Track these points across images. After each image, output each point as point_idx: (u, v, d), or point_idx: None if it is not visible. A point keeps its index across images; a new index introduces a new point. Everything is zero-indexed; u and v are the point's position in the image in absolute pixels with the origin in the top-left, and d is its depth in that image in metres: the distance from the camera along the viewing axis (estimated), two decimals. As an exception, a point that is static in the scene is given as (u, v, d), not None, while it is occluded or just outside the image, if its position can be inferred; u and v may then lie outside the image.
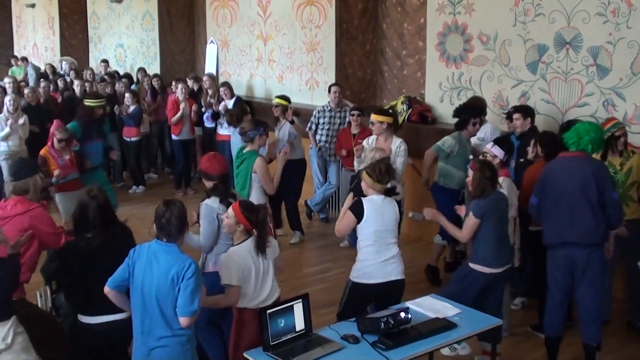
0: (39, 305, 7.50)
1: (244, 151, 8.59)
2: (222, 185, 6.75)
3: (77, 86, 14.27)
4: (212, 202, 6.61)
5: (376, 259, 6.66)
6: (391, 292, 6.65)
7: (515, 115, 8.90)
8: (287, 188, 10.44)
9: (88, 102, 10.68)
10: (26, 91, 13.84)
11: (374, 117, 9.31)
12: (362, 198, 6.80)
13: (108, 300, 5.48)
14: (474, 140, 9.36)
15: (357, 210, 6.70)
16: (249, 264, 5.91)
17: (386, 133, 9.26)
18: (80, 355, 6.00)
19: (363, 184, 6.80)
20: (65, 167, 9.80)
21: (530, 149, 8.08)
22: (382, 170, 6.70)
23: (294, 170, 10.65)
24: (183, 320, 5.24)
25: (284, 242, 10.32)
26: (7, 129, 12.35)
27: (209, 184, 6.83)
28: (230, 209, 6.07)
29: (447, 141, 9.07)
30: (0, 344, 5.39)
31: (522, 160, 8.48)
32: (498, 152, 7.73)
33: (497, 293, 7.02)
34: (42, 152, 9.86)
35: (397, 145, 9.19)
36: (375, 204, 6.69)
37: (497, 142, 7.92)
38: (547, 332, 7.15)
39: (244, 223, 5.93)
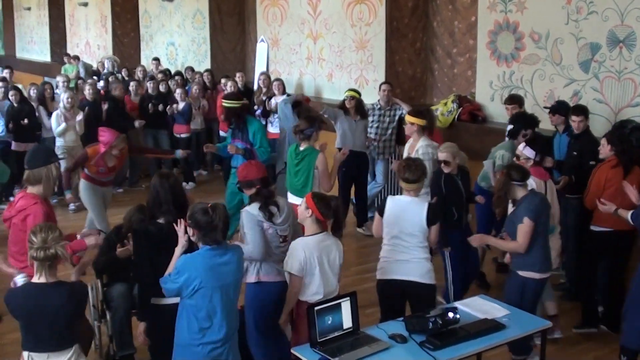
0: (90, 298, 7.61)
1: (300, 149, 8.52)
2: (265, 190, 6.51)
3: (119, 90, 14.36)
4: (252, 209, 6.40)
5: (393, 257, 6.67)
6: (416, 295, 6.55)
7: (579, 118, 8.74)
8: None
9: (226, 103, 10.33)
10: (87, 87, 14.01)
11: (407, 119, 9.34)
12: (389, 197, 6.83)
13: None
14: None
15: (381, 208, 6.76)
16: (314, 258, 5.95)
17: (416, 135, 9.21)
18: (158, 336, 6.02)
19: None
20: (101, 174, 9.80)
21: (601, 149, 7.93)
22: (402, 167, 6.68)
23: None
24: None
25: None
26: (63, 124, 12.61)
27: (250, 191, 6.58)
28: (302, 199, 6.14)
29: (505, 156, 8.92)
30: None
31: (579, 158, 8.39)
32: (530, 153, 7.63)
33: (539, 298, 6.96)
34: (90, 151, 9.78)
35: (420, 145, 9.07)
36: (397, 203, 6.68)
37: (529, 142, 7.81)
38: (628, 344, 6.98)
39: (314, 209, 5.96)
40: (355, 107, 11.18)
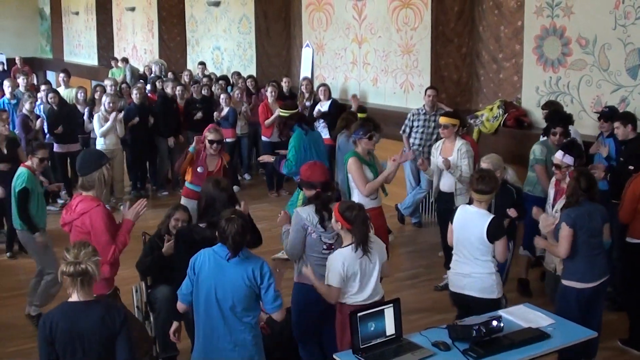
0: (134, 300, 7.69)
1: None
2: (324, 194, 6.46)
3: (170, 88, 14.49)
4: (303, 211, 6.38)
5: (454, 269, 6.69)
6: (479, 309, 6.41)
7: (615, 124, 8.69)
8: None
9: (280, 112, 10.24)
10: (134, 91, 14.14)
11: (445, 121, 9.26)
12: (461, 205, 6.81)
13: None
14: None
15: (452, 217, 6.75)
16: (354, 267, 5.92)
17: (453, 135, 9.21)
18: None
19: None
20: (198, 178, 9.10)
21: None
22: (476, 179, 6.63)
23: None
24: (277, 315, 5.49)
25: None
26: (108, 124, 12.74)
27: (310, 192, 6.55)
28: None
29: (535, 150, 8.90)
30: None
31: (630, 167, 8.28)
32: (569, 160, 7.53)
33: (597, 308, 6.83)
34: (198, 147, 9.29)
35: (458, 146, 9.09)
36: (464, 213, 6.65)
37: (566, 148, 7.69)
38: None
39: (340, 220, 5.94)
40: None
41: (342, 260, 5.91)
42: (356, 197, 8.10)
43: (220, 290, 5.32)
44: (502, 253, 6.52)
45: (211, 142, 9.11)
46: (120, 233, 6.27)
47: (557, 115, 9.28)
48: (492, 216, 6.57)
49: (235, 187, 14.30)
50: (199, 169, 9.16)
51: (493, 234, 6.44)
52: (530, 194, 8.93)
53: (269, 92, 14.05)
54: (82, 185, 6.31)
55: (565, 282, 6.70)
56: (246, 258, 5.40)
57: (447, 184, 9.14)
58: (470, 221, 6.54)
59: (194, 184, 9.14)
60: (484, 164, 7.82)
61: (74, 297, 4.83)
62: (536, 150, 8.95)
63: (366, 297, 6.00)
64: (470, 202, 6.89)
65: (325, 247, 6.36)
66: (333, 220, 6.03)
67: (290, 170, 9.55)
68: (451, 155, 9.04)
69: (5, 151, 10.42)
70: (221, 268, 5.34)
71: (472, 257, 6.53)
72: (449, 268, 8.10)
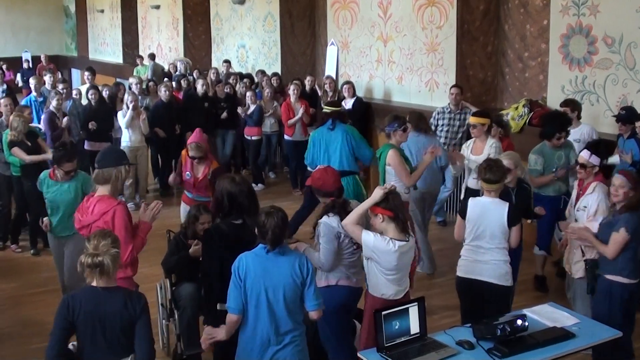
0: (158, 297, 7.72)
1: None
2: (339, 201, 6.44)
3: (201, 86, 14.54)
4: (331, 221, 6.31)
5: (470, 257, 6.73)
6: (491, 296, 6.51)
7: (638, 124, 8.64)
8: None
9: (326, 109, 10.29)
10: (162, 89, 14.23)
11: (474, 120, 9.27)
12: (471, 198, 6.82)
13: None
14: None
15: (462, 210, 6.80)
16: (398, 263, 5.95)
17: (484, 135, 9.22)
18: (224, 342, 5.96)
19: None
20: (186, 184, 9.31)
21: None
22: (483, 168, 6.64)
23: None
24: (315, 314, 5.49)
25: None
26: (129, 112, 12.80)
27: (324, 199, 6.52)
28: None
29: (530, 161, 8.87)
30: None
31: None
32: (595, 160, 7.46)
33: (634, 307, 6.77)
34: (183, 152, 9.44)
35: (489, 144, 9.11)
36: (478, 204, 6.68)
37: (591, 147, 7.63)
38: None
39: (381, 212, 5.94)
40: None
41: (394, 246, 5.89)
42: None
43: (271, 290, 5.32)
44: (516, 238, 6.68)
45: (192, 157, 9.16)
46: (138, 235, 6.27)
47: (560, 119, 9.18)
48: (508, 203, 6.64)
49: (259, 185, 14.40)
50: (186, 175, 9.24)
51: (513, 220, 6.56)
52: (543, 194, 8.89)
53: (292, 91, 14.05)
54: (96, 177, 6.33)
55: (609, 276, 6.61)
56: (287, 253, 5.43)
57: (476, 181, 9.12)
58: (488, 210, 6.59)
59: (186, 189, 9.35)
60: (504, 161, 7.80)
61: (95, 284, 4.97)
62: (531, 161, 8.89)
63: (393, 293, 6.01)
64: (480, 194, 6.90)
65: (355, 247, 6.35)
66: (371, 218, 6.03)
67: (306, 161, 10.19)
68: (482, 153, 9.01)
69: (29, 143, 10.50)
70: (267, 269, 5.33)
71: (492, 246, 6.59)
72: None
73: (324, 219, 6.37)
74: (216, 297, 5.91)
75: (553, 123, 8.99)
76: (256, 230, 5.42)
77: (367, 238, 5.92)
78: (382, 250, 5.89)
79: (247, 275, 5.32)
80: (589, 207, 7.35)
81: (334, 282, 6.38)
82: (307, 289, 5.40)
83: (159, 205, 6.43)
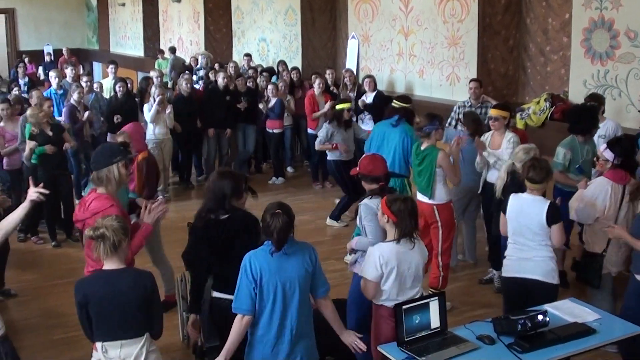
0: (179, 289, 7.74)
1: (422, 148, 8.39)
2: (388, 187, 6.57)
3: (222, 79, 14.54)
4: (372, 202, 6.40)
5: (514, 255, 6.64)
6: (537, 294, 6.43)
7: None
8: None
9: (396, 104, 10.27)
10: (183, 82, 14.26)
11: (496, 113, 9.18)
12: (513, 194, 6.78)
13: (232, 280, 5.57)
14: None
15: (504, 206, 6.74)
16: (392, 263, 5.84)
17: (503, 128, 9.15)
18: (216, 329, 6.19)
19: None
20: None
21: None
22: (527, 167, 6.60)
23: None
24: (324, 301, 5.60)
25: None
26: (155, 106, 12.80)
27: (372, 185, 6.57)
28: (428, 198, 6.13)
29: (559, 154, 8.80)
30: None
31: None
32: (609, 155, 7.44)
33: None
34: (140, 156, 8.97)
35: (508, 139, 9.02)
36: (519, 201, 6.63)
37: (610, 144, 7.60)
38: None
39: (387, 213, 5.92)
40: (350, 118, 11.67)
41: (379, 253, 5.85)
42: (439, 191, 8.35)
43: (288, 284, 5.34)
44: (559, 237, 6.52)
45: None
46: (136, 236, 6.09)
47: (590, 112, 9.13)
48: (549, 201, 6.57)
49: (280, 179, 14.41)
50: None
51: (552, 217, 6.45)
52: (565, 189, 8.85)
53: (317, 84, 14.02)
54: (93, 179, 6.25)
55: (639, 277, 6.57)
56: (294, 247, 5.44)
57: (494, 175, 9.08)
58: (528, 207, 6.54)
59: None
60: (522, 155, 7.80)
61: (107, 266, 5.13)
62: (559, 154, 8.79)
63: (404, 299, 5.94)
64: (521, 191, 6.85)
65: None
66: (379, 213, 6.02)
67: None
68: (500, 147, 8.98)
69: (51, 134, 10.58)
70: (281, 265, 5.35)
71: (534, 243, 6.52)
72: (492, 261, 8.04)
73: (365, 200, 6.48)
74: (201, 289, 6.14)
75: (588, 117, 8.94)
76: (261, 227, 5.42)
77: (373, 272, 5.88)
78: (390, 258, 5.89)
79: (263, 273, 5.32)
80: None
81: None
82: (316, 275, 5.48)
83: (163, 207, 6.37)
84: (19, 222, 5.77)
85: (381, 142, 9.72)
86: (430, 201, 8.31)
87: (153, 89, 13.36)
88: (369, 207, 6.42)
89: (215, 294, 6.05)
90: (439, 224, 8.36)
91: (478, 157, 9.19)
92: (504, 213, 6.75)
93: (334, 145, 11.02)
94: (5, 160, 11.15)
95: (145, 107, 13.19)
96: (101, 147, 6.73)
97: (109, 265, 5.15)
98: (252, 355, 5.52)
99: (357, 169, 6.78)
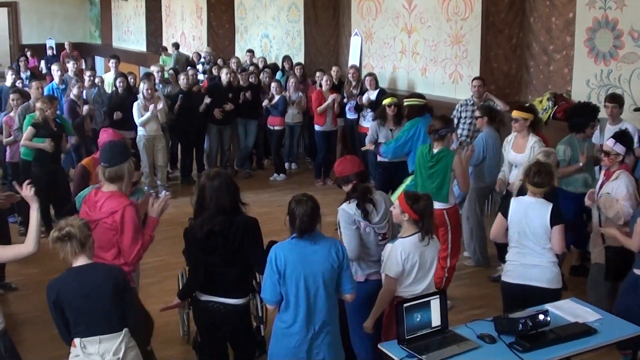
0: (180, 285, 7.74)
1: (434, 151, 8.26)
2: (362, 185, 6.41)
3: (225, 74, 14.50)
4: (349, 207, 6.32)
5: (518, 260, 6.57)
6: (539, 300, 6.34)
7: None
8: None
9: (409, 102, 10.08)
10: (182, 77, 14.27)
11: (517, 114, 9.08)
12: (513, 198, 6.73)
13: (225, 283, 5.76)
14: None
15: (505, 210, 6.66)
16: (413, 257, 5.92)
17: (526, 130, 9.03)
18: (201, 329, 6.36)
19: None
20: None
21: None
22: (533, 172, 6.57)
23: None
24: (350, 297, 5.66)
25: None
26: (147, 114, 12.80)
27: (347, 187, 6.48)
28: (395, 200, 6.12)
29: (559, 151, 8.78)
30: (111, 358, 5.15)
31: None
32: (620, 149, 7.44)
33: None
34: (85, 162, 8.41)
35: (531, 145, 8.91)
36: (521, 204, 6.57)
37: (618, 137, 7.60)
38: None
39: (408, 211, 5.93)
40: (396, 115, 11.07)
41: (401, 248, 5.90)
42: (451, 194, 8.33)
43: (311, 278, 5.40)
44: (559, 240, 6.45)
45: None
46: (145, 231, 6.23)
47: (589, 109, 9.14)
48: (551, 204, 6.53)
49: (281, 176, 14.40)
50: None
51: (554, 219, 6.42)
52: (570, 191, 8.83)
53: (324, 81, 14.02)
54: (110, 177, 6.21)
55: (636, 271, 6.58)
56: (321, 240, 5.50)
57: (516, 177, 9.05)
58: (532, 210, 6.49)
59: None
60: (542, 159, 7.79)
61: (76, 264, 5.18)
62: (559, 151, 8.80)
63: (420, 292, 5.96)
64: (522, 194, 6.83)
65: (380, 238, 6.37)
66: (397, 210, 6.01)
67: (386, 150, 9.89)
68: (524, 151, 8.91)
69: (55, 129, 10.63)
70: (306, 257, 5.40)
71: (538, 247, 6.48)
72: (503, 260, 8.02)
73: (343, 205, 6.40)
74: (192, 289, 6.18)
75: (584, 114, 8.94)
76: (287, 217, 5.48)
77: (395, 269, 5.94)
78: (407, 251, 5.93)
79: (287, 265, 5.38)
80: (612, 193, 7.37)
81: (373, 277, 6.40)
82: (343, 272, 5.52)
83: (167, 200, 6.42)
84: (40, 222, 5.86)
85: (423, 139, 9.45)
86: (441, 205, 8.03)
87: (141, 84, 13.20)
88: (346, 213, 6.32)
89: (204, 297, 6.07)
90: (449, 227, 8.22)
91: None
92: (504, 216, 6.65)
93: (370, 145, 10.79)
94: (7, 152, 11.21)
95: (135, 105, 13.03)
96: (112, 145, 6.67)
97: (79, 262, 5.16)
98: (275, 347, 5.59)
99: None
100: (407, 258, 5.90)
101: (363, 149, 10.87)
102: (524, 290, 6.52)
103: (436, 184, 8.19)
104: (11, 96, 11.52)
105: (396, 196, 8.13)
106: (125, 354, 5.17)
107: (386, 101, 11.18)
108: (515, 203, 6.63)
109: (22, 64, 19.06)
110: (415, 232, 5.96)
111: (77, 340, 5.18)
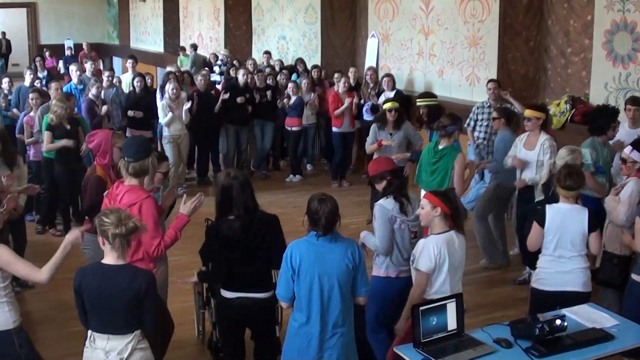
0: (195, 285, 7.74)
1: (439, 147, 8.32)
2: (396, 181, 6.56)
3: (242, 75, 14.50)
4: (387, 203, 6.45)
5: (552, 268, 6.55)
6: (571, 303, 6.35)
7: None
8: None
9: (421, 102, 9.94)
10: (199, 78, 14.31)
11: (530, 113, 9.10)
12: (548, 205, 6.69)
13: (249, 278, 5.79)
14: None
15: (541, 218, 6.59)
16: (445, 255, 5.92)
17: (538, 129, 9.05)
18: (223, 328, 6.42)
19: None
20: None
21: None
22: (564, 175, 6.54)
23: None
24: (363, 300, 5.68)
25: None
26: (170, 115, 12.86)
27: (381, 184, 6.59)
28: (422, 200, 6.13)
29: (585, 155, 8.72)
30: (114, 358, 5.13)
31: None
32: (637, 156, 7.39)
33: None
34: (100, 172, 7.52)
35: (541, 142, 8.93)
36: (558, 212, 6.54)
37: (635, 145, 7.55)
38: None
39: (440, 205, 5.94)
40: (396, 119, 10.75)
41: (434, 244, 5.90)
42: None
43: (326, 277, 5.40)
44: (599, 244, 6.58)
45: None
46: (171, 227, 6.24)
47: (608, 111, 9.09)
48: (587, 209, 6.56)
49: (297, 177, 14.40)
50: None
51: (593, 225, 6.47)
52: (587, 194, 8.77)
53: (342, 82, 14.01)
54: (135, 171, 6.24)
55: (634, 276, 6.58)
56: (339, 239, 5.51)
57: (528, 177, 9.02)
58: (570, 217, 6.48)
59: None
60: (569, 157, 7.77)
61: (107, 260, 5.13)
62: (586, 155, 8.71)
63: (448, 292, 5.96)
64: (554, 200, 6.79)
65: (412, 236, 6.44)
66: (428, 208, 6.01)
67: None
68: (534, 149, 8.91)
69: (68, 127, 10.71)
70: (321, 256, 5.42)
71: (574, 254, 6.49)
72: (527, 263, 7.95)
73: (380, 201, 6.49)
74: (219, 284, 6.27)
75: (604, 116, 8.89)
76: (306, 216, 5.51)
77: (427, 264, 5.93)
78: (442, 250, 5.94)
79: (302, 263, 5.40)
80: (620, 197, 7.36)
81: (393, 274, 6.48)
82: (359, 274, 5.52)
83: (201, 198, 6.43)
84: (63, 260, 5.54)
85: None
86: None
87: (168, 84, 13.28)
88: (384, 209, 6.43)
89: (227, 294, 6.13)
90: None
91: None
92: (541, 225, 6.58)
93: (380, 142, 10.72)
94: (32, 150, 11.35)
95: (160, 105, 13.14)
96: (135, 140, 6.79)
97: (108, 259, 5.14)
98: (288, 346, 5.61)
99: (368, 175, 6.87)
100: (439, 254, 5.90)
101: (395, 158, 10.47)
102: (558, 296, 6.48)
103: (437, 180, 8.24)
104: (30, 96, 11.65)
105: None
106: (130, 355, 5.16)
107: (387, 106, 10.96)
108: (551, 211, 6.58)
109: (38, 63, 19.14)
110: (447, 230, 5.98)
111: (89, 332, 5.25)
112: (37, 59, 20.16)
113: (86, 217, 7.51)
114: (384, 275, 6.48)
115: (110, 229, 5.01)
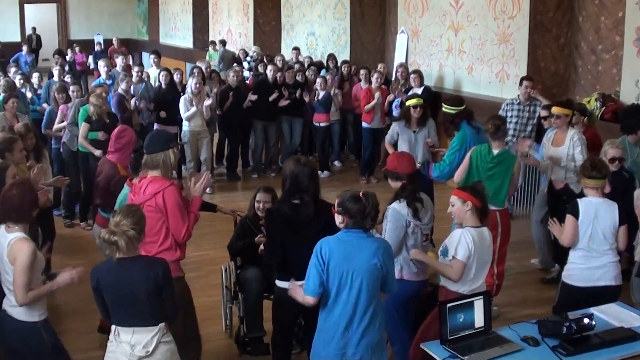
0: (223, 279, 7.78)
1: (495, 152, 7.99)
2: (411, 186, 6.42)
3: (270, 71, 14.54)
4: (401, 207, 6.35)
5: (584, 264, 6.52)
6: (602, 298, 6.34)
7: None
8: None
9: (444, 108, 9.61)
10: (231, 74, 14.41)
11: (558, 110, 8.99)
12: (579, 199, 6.66)
13: (301, 267, 5.61)
14: None
15: (574, 211, 6.55)
16: (476, 249, 5.91)
17: (566, 126, 8.95)
18: (279, 320, 6.36)
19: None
20: None
21: None
22: (588, 167, 6.52)
23: None
24: (383, 296, 5.64)
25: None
26: (193, 109, 12.96)
27: (396, 184, 6.51)
28: (452, 197, 6.10)
29: (625, 151, 8.63)
30: (140, 351, 5.17)
31: None
32: None
33: None
34: (122, 171, 8.05)
35: (570, 136, 8.82)
36: (590, 205, 6.51)
37: None
38: None
39: (470, 199, 5.95)
40: (420, 116, 10.43)
41: (471, 235, 5.90)
42: None
43: (354, 274, 5.35)
44: (626, 238, 6.58)
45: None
46: (190, 210, 6.29)
47: (637, 110, 9.01)
48: (616, 203, 6.54)
49: (325, 172, 14.39)
50: None
51: (622, 218, 6.47)
52: None
53: (374, 78, 13.98)
54: (146, 163, 6.35)
55: None
56: (370, 237, 5.49)
57: (558, 173, 8.95)
58: (603, 210, 6.47)
59: None
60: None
61: (120, 255, 5.18)
62: (625, 153, 8.65)
63: (476, 287, 5.98)
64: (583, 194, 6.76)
65: (424, 239, 6.40)
66: (458, 203, 6.01)
67: (441, 172, 8.84)
68: (563, 144, 8.82)
69: (107, 121, 10.85)
70: (351, 253, 5.37)
71: (606, 248, 6.48)
72: (557, 261, 7.90)
73: (394, 204, 6.40)
74: (274, 274, 6.26)
75: (637, 115, 8.82)
76: (345, 215, 5.43)
77: (466, 253, 5.91)
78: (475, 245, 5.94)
79: (331, 258, 5.36)
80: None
81: (407, 277, 6.43)
82: (387, 273, 5.46)
83: (207, 177, 6.49)
84: (48, 293, 5.91)
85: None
86: (494, 207, 7.59)
87: (191, 79, 13.35)
88: (397, 213, 6.35)
89: (281, 284, 6.12)
90: (499, 230, 7.93)
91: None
92: (576, 217, 6.52)
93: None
94: (62, 143, 11.46)
95: (182, 100, 13.20)
96: (155, 133, 7.06)
97: (118, 254, 5.19)
98: (316, 342, 5.59)
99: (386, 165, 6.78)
100: (474, 246, 5.89)
101: (428, 142, 10.25)
102: (592, 292, 6.47)
103: (495, 186, 7.88)
104: (72, 88, 11.95)
105: None
106: (155, 348, 5.20)
107: (411, 102, 10.61)
108: (583, 204, 6.55)
109: (57, 62, 19.28)
110: (479, 225, 5.99)
111: (113, 327, 5.29)
112: (56, 56, 20.06)
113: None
114: (398, 278, 6.35)
115: (101, 231, 5.20)
